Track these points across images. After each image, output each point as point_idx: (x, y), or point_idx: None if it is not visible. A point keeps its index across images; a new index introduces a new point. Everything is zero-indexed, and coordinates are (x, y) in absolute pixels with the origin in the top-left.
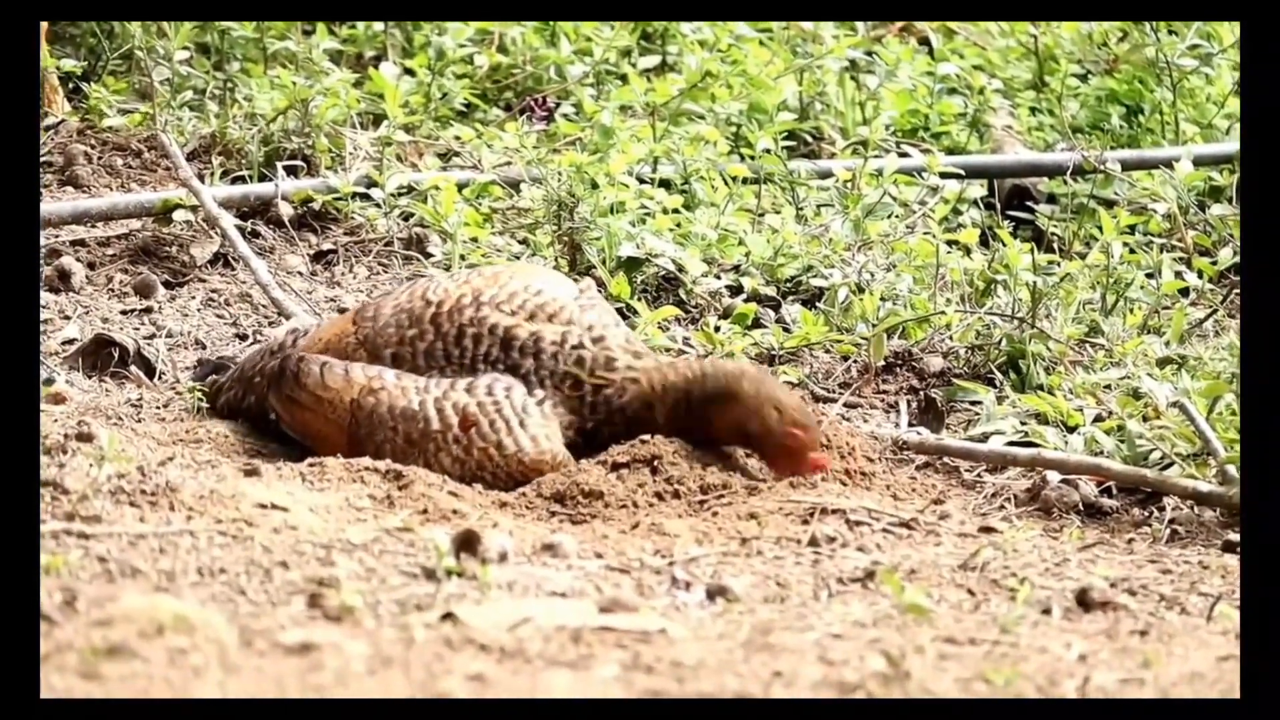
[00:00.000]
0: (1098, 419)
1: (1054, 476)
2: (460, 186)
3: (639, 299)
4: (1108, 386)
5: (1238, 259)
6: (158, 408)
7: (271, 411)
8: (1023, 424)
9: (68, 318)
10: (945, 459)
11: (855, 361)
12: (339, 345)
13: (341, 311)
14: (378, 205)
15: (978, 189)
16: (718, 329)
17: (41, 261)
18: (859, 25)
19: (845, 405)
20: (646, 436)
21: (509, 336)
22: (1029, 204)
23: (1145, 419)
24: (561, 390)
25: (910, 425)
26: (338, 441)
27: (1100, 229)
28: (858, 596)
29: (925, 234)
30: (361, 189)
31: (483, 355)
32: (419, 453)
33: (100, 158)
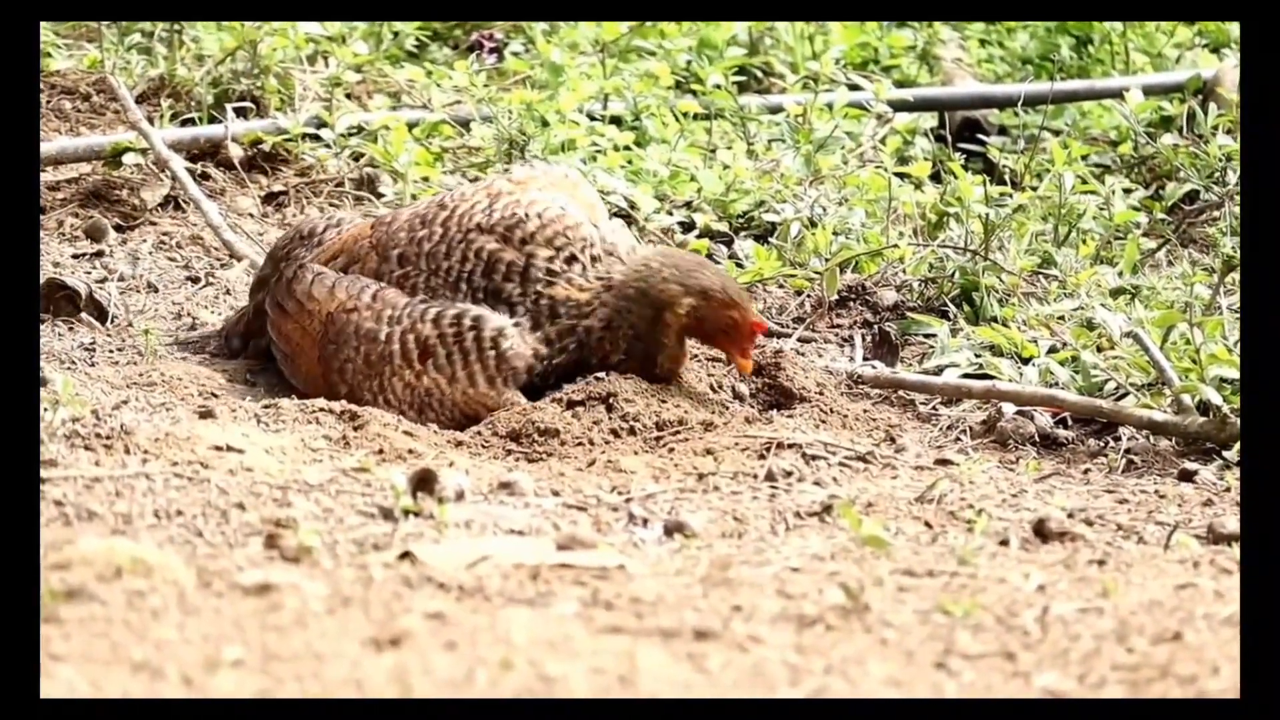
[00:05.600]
0: (1052, 350)
1: (1009, 408)
2: (410, 126)
3: None
4: (1061, 318)
5: (1189, 186)
6: (111, 351)
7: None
8: (977, 356)
9: None
10: (900, 392)
11: (809, 296)
12: (354, 248)
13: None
14: (328, 146)
15: (929, 121)
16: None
17: None
18: None
19: (799, 340)
20: (602, 374)
21: (494, 259)
22: (980, 136)
23: (1099, 349)
24: (541, 319)
25: (865, 359)
26: (311, 355)
27: (1052, 160)
28: (815, 530)
29: (877, 168)
30: (311, 130)
31: (468, 273)
32: (376, 374)
33: (49, 101)
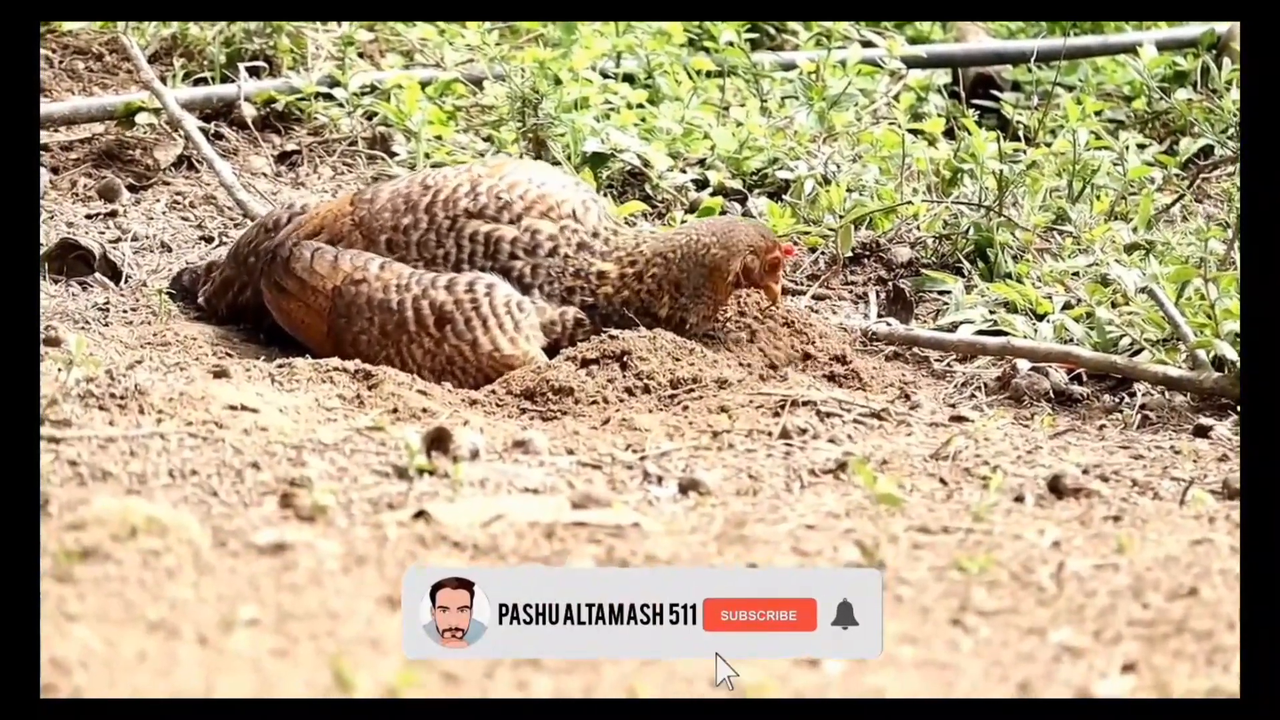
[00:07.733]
0: (1067, 306)
1: (1024, 364)
2: (423, 85)
3: (605, 194)
4: (1076, 273)
5: (1203, 141)
6: (125, 311)
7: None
8: (992, 313)
9: None
10: (915, 349)
11: (823, 253)
12: (335, 225)
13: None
14: (341, 105)
15: (942, 78)
16: (684, 223)
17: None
18: None
19: (814, 297)
20: (616, 332)
21: (495, 238)
22: (994, 92)
23: (1114, 305)
24: (557, 293)
25: (879, 316)
26: (319, 330)
27: (1066, 116)
28: (830, 488)
29: (891, 124)
30: (324, 89)
31: (468, 256)
32: (392, 344)
33: (61, 62)
